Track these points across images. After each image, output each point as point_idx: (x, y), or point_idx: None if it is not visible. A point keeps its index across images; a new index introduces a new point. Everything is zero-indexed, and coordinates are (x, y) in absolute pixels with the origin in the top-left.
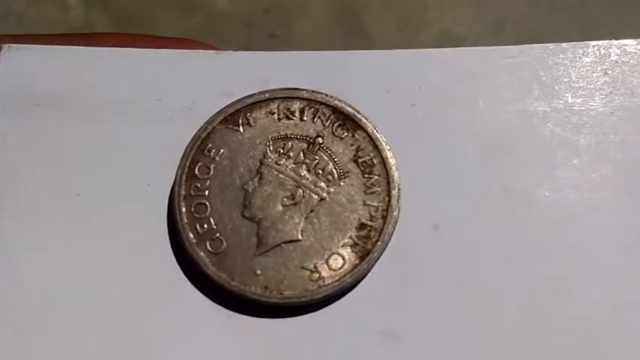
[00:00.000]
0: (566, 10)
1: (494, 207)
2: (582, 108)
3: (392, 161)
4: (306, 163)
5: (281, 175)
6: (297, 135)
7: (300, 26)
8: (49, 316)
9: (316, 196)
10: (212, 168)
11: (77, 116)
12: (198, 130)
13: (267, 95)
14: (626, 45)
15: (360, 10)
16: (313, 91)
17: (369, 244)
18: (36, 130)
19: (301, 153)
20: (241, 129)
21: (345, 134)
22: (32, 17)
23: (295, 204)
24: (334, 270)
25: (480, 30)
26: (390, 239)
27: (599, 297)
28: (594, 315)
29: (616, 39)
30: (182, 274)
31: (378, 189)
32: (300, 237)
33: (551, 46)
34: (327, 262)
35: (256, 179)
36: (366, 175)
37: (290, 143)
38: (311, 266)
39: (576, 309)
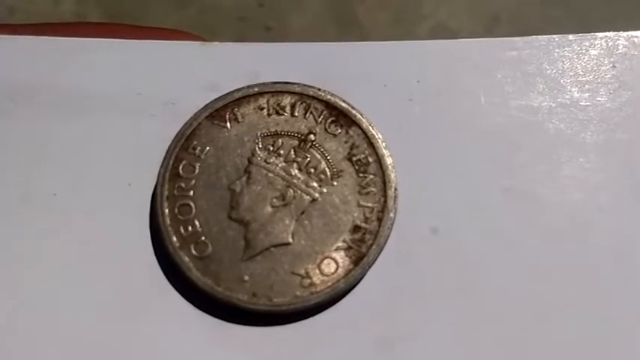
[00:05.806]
0: (562, 4)
1: (496, 209)
2: (589, 103)
3: (388, 160)
4: (297, 162)
5: (270, 175)
6: (288, 132)
7: (294, 19)
8: (22, 325)
9: (308, 197)
10: (197, 166)
11: (53, 111)
12: (183, 126)
13: (256, 89)
14: (635, 37)
15: (354, 3)
16: (305, 85)
17: (364, 247)
18: (10, 126)
19: (292, 151)
20: (228, 125)
21: (339, 131)
22: (23, 10)
23: (285, 205)
24: (327, 275)
25: (476, 23)
26: (385, 242)
27: (603, 301)
28: (598, 319)
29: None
30: (165, 280)
31: (373, 189)
32: (290, 240)
33: (556, 37)
34: (319, 266)
35: (244, 179)
36: (361, 175)
37: (280, 140)
38: (302, 271)
39: (580, 314)
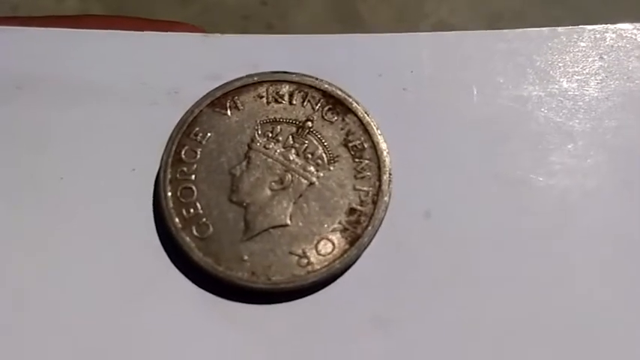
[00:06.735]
0: (563, 3)
1: (487, 193)
2: (577, 93)
3: (383, 146)
4: (295, 148)
5: (269, 160)
6: (286, 119)
7: (297, 17)
8: (31, 305)
9: (305, 181)
10: (199, 152)
11: (61, 99)
12: (185, 113)
13: (255, 78)
14: (622, 29)
15: (357, 1)
16: (303, 75)
17: (359, 229)
18: (18, 113)
19: (290, 137)
20: (229, 113)
21: (335, 118)
22: (27, 7)
23: (284, 189)
24: (323, 255)
25: (477, 21)
26: (380, 225)
27: (592, 284)
28: (587, 303)
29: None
30: (168, 260)
31: (368, 173)
32: (288, 222)
33: (546, 30)
34: (316, 247)
35: (244, 163)
36: (357, 160)
37: (279, 127)
38: (299, 251)
39: (569, 297)
